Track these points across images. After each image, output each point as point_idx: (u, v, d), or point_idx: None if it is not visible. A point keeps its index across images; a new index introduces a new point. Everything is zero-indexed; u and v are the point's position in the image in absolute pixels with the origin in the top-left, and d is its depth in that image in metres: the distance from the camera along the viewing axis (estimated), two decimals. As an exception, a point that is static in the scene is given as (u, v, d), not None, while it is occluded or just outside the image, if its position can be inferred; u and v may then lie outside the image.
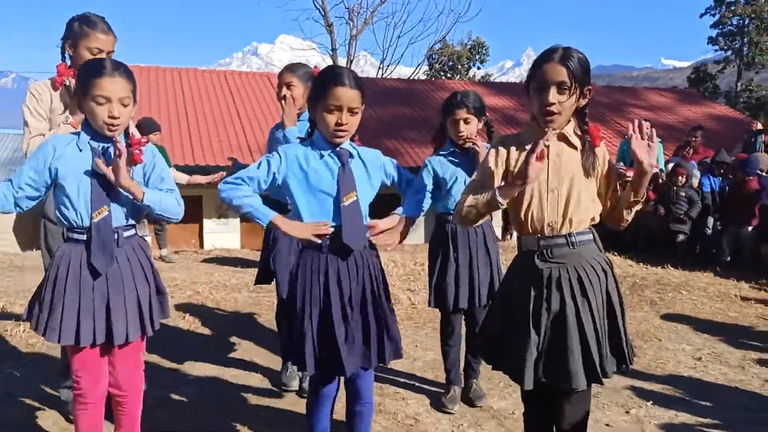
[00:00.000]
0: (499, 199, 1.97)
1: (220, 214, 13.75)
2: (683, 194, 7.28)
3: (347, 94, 2.09)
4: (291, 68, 3.24)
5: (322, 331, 2.12)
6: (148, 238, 5.81)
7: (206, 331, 4.26)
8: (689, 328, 4.67)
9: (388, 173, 2.33)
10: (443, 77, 29.81)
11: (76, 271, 2.09)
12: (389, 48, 25.28)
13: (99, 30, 2.65)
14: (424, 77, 27.83)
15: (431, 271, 3.09)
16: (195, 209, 13.41)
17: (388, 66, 25.35)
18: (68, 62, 2.70)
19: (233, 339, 4.10)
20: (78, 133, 2.14)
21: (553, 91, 1.94)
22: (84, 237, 2.10)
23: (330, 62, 24.96)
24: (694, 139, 8.19)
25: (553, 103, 1.94)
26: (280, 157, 2.16)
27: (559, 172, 2.01)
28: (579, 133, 2.06)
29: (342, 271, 2.13)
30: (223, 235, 13.52)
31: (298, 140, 2.43)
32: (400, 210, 2.43)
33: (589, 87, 2.00)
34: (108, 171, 2.05)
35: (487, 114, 3.11)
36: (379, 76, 25.11)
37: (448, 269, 3.01)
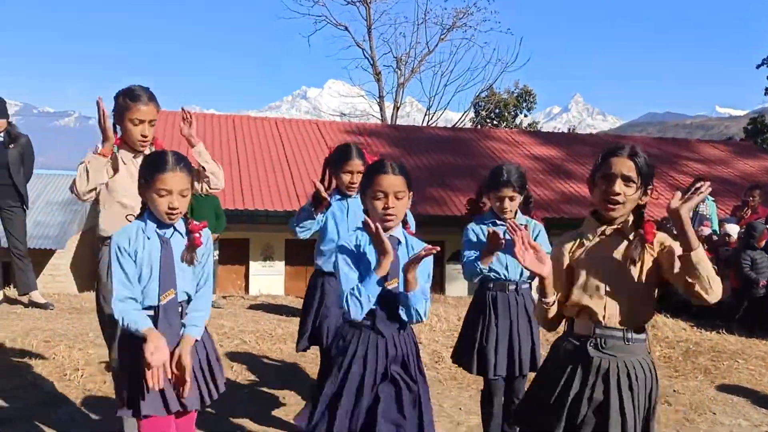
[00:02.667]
0: (543, 301, 2.08)
1: (266, 256, 14.02)
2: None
3: (390, 180, 2.22)
4: (361, 154, 3.26)
5: (355, 403, 2.20)
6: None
7: (253, 381, 4.34)
8: (746, 401, 4.49)
9: (420, 267, 2.28)
10: (489, 124, 29.97)
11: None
12: (436, 95, 25.70)
13: (141, 102, 2.85)
14: (470, 124, 28.06)
15: (470, 336, 3.12)
16: (242, 252, 13.72)
17: (434, 113, 25.74)
18: (119, 132, 2.93)
19: (278, 393, 4.16)
20: (144, 221, 2.31)
21: (619, 182, 2.02)
22: (152, 313, 2.27)
23: (377, 109, 25.50)
24: (751, 199, 7.97)
25: (619, 194, 2.01)
26: (351, 242, 2.29)
27: (615, 271, 2.05)
28: (635, 228, 2.10)
29: (371, 349, 2.21)
30: (268, 277, 13.75)
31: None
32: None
33: (652, 187, 2.07)
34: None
35: (528, 188, 3.16)
36: (426, 121, 25.48)
37: (488, 336, 3.05)
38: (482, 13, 25.10)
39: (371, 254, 2.24)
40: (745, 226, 7.11)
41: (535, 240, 3.09)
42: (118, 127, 2.94)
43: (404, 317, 2.24)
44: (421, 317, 2.25)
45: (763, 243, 6.93)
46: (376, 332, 2.22)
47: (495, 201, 3.07)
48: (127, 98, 2.85)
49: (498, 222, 3.09)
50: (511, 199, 3.04)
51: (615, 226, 2.07)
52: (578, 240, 2.14)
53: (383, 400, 2.19)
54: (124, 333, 2.29)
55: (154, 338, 2.17)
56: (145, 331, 2.18)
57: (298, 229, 3.22)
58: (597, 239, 2.09)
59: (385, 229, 2.26)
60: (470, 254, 3.08)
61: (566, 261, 2.14)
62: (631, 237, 2.06)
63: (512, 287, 3.09)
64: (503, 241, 2.90)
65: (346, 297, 2.17)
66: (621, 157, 2.02)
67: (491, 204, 3.12)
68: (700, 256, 1.92)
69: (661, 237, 2.08)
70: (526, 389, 2.35)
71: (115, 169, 2.92)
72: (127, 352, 2.28)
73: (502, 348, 3.03)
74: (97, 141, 2.95)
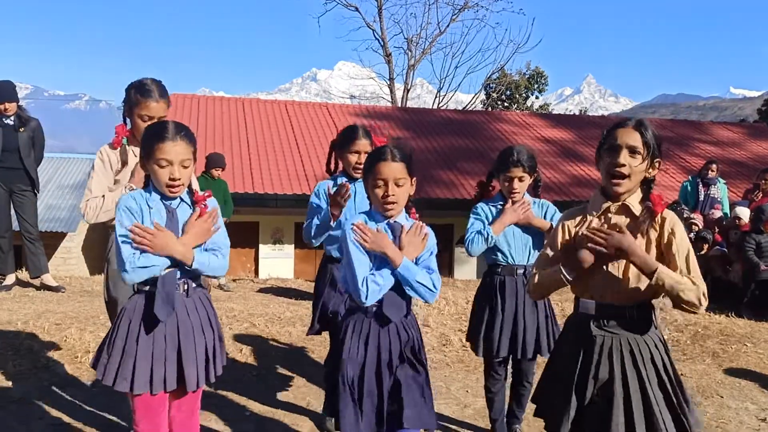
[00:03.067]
0: (567, 276, 2.04)
1: (276, 239, 14.09)
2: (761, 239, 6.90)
3: (390, 167, 2.21)
4: (367, 135, 3.20)
5: (360, 393, 2.21)
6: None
7: (261, 365, 4.38)
8: (754, 385, 4.48)
9: (424, 252, 2.31)
10: (500, 106, 29.76)
11: (149, 321, 2.22)
12: (447, 77, 25.52)
13: (152, 98, 2.80)
14: (480, 106, 27.88)
15: (478, 320, 3.14)
16: (251, 235, 13.79)
17: (445, 95, 25.58)
18: (128, 124, 2.90)
19: (287, 375, 4.20)
20: (148, 191, 2.28)
21: (624, 152, 1.99)
22: (147, 288, 2.23)
23: (387, 91, 25.38)
24: (764, 182, 7.88)
25: (624, 165, 1.98)
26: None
27: (630, 238, 2.00)
28: (643, 201, 2.08)
29: (382, 335, 2.23)
30: (278, 260, 13.83)
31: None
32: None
33: (659, 160, 2.04)
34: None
35: (538, 170, 3.14)
36: (436, 103, 25.34)
37: (495, 320, 3.06)
38: (495, -8, 24.82)
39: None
40: (755, 209, 7.03)
41: (548, 218, 3.10)
42: (128, 120, 2.91)
43: (414, 295, 2.23)
44: (430, 290, 2.22)
45: None
46: (385, 319, 2.22)
47: (504, 182, 3.05)
48: (138, 93, 2.81)
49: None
50: (521, 179, 3.02)
51: (620, 203, 2.05)
52: (581, 216, 2.12)
53: (404, 384, 2.20)
54: (131, 305, 2.26)
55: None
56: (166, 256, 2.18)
57: (314, 241, 3.14)
58: (602, 215, 2.07)
59: (388, 217, 2.27)
60: (477, 226, 3.08)
61: (565, 237, 2.12)
62: (637, 213, 2.04)
63: (520, 271, 3.09)
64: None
65: (364, 281, 2.17)
66: (626, 128, 2.00)
67: (500, 185, 3.10)
68: (661, 278, 1.92)
69: (667, 215, 2.04)
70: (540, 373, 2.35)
71: (124, 162, 2.91)
72: (130, 324, 2.23)
73: (506, 331, 3.04)
74: (108, 125, 2.93)
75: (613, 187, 2.02)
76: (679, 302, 1.95)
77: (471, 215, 3.16)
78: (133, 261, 2.14)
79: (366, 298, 2.17)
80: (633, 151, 1.98)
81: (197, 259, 2.24)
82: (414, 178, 2.30)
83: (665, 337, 5.23)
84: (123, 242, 2.16)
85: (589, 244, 1.97)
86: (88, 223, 2.92)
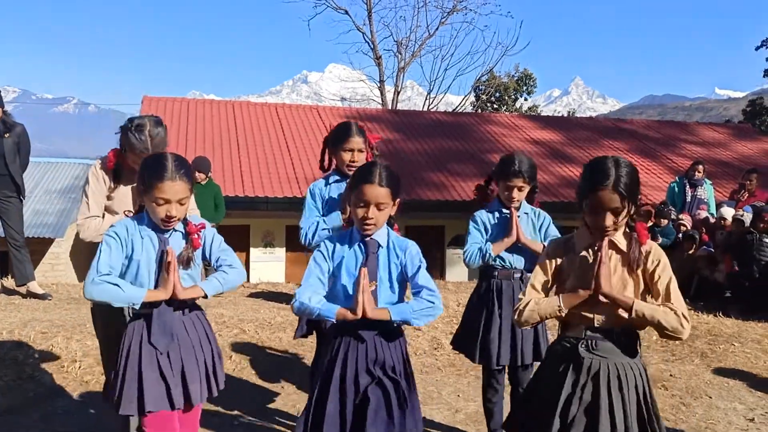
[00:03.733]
0: (564, 309, 2.08)
1: (266, 243, 14.04)
2: (766, 240, 6.92)
3: (375, 192, 2.21)
4: (361, 132, 3.16)
5: (342, 408, 2.20)
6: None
7: (252, 372, 4.36)
8: (742, 385, 4.51)
9: (407, 265, 2.29)
10: (490, 108, 29.85)
11: (148, 346, 2.25)
12: (436, 79, 25.57)
13: (141, 147, 2.70)
14: (470, 108, 27.95)
15: (473, 326, 3.10)
16: (242, 239, 13.73)
17: (435, 97, 25.63)
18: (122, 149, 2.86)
19: (277, 382, 4.18)
20: (139, 220, 2.30)
21: (609, 216, 2.03)
22: (149, 312, 2.26)
23: (378, 93, 25.40)
24: (749, 182, 7.95)
25: (609, 226, 2.04)
26: (324, 251, 2.30)
27: (608, 278, 2.06)
28: (627, 232, 2.12)
29: (351, 353, 2.22)
30: (269, 264, 13.78)
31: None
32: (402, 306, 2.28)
33: (641, 196, 2.08)
34: (171, 287, 2.22)
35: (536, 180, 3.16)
36: (426, 105, 25.38)
37: (492, 325, 3.03)
38: (483, -4, 24.88)
39: (346, 257, 2.27)
40: (754, 211, 7.05)
41: (543, 230, 3.09)
42: (125, 150, 2.84)
43: (421, 324, 2.27)
44: (430, 310, 2.21)
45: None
46: (357, 338, 2.22)
47: (504, 190, 3.05)
48: (133, 137, 2.71)
49: (504, 210, 3.08)
50: (520, 189, 3.02)
51: (608, 238, 2.09)
52: (568, 247, 2.17)
53: (372, 402, 2.18)
54: (130, 331, 2.27)
55: (154, 293, 2.22)
56: (146, 297, 2.19)
57: (312, 243, 3.04)
58: (588, 249, 2.12)
59: (365, 236, 2.27)
60: (477, 240, 3.07)
61: (550, 270, 2.17)
62: (623, 247, 2.08)
63: (517, 275, 3.06)
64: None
65: (297, 297, 2.20)
66: (606, 191, 1.99)
67: (499, 192, 3.10)
68: (640, 311, 2.00)
69: (653, 252, 2.09)
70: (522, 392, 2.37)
71: (117, 183, 2.90)
72: (130, 350, 2.26)
73: (505, 338, 3.01)
74: (97, 128, 2.89)
75: (600, 238, 2.07)
76: (662, 330, 2.01)
77: (470, 223, 3.13)
78: (101, 274, 2.15)
79: (293, 307, 2.21)
80: (615, 212, 2.02)
81: (209, 291, 2.29)
82: (398, 200, 2.31)
83: (654, 338, 5.28)
84: (98, 256, 2.19)
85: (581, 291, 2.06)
86: (83, 239, 2.91)
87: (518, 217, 3.05)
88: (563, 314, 2.09)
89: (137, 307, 2.23)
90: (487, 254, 3.01)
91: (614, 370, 2.05)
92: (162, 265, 2.25)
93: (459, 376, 4.51)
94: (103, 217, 2.84)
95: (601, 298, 2.02)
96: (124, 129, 2.79)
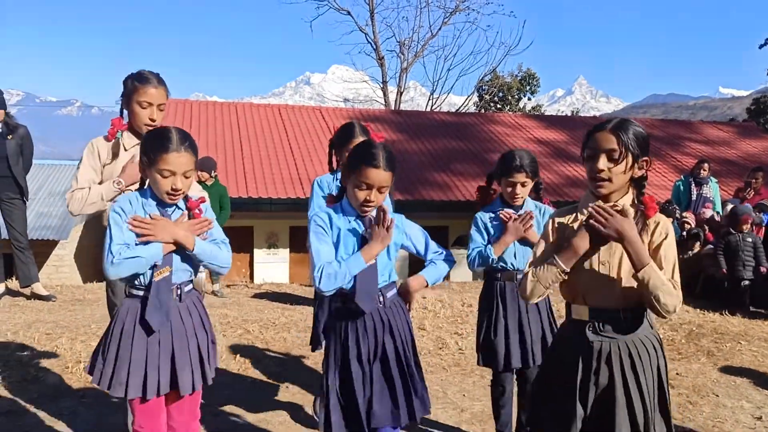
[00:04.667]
0: (562, 266, 1.99)
1: (270, 244, 14.04)
2: (749, 240, 6.93)
3: (379, 176, 2.22)
4: (364, 132, 3.22)
5: (344, 391, 2.25)
6: (202, 274, 5.98)
7: (256, 372, 4.34)
8: (749, 383, 4.48)
9: (409, 236, 2.42)
10: (493, 108, 29.81)
11: (142, 326, 2.20)
12: (439, 80, 25.55)
13: (150, 85, 2.81)
14: (473, 108, 27.91)
15: (480, 328, 3.08)
16: (246, 239, 13.74)
17: (438, 97, 25.61)
18: (125, 118, 2.88)
19: (281, 382, 4.16)
20: (144, 196, 2.26)
21: (603, 158, 1.96)
22: (142, 293, 2.21)
23: (381, 94, 25.39)
24: (754, 180, 7.91)
25: (603, 170, 1.96)
26: (324, 220, 2.29)
27: (611, 246, 2.00)
28: (635, 203, 2.04)
29: (360, 330, 2.26)
30: (273, 264, 13.79)
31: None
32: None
33: (646, 159, 2.00)
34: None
35: (540, 176, 3.10)
36: (429, 106, 25.35)
37: (497, 327, 2.99)
38: (485, -5, 24.87)
39: (344, 232, 2.28)
40: (729, 211, 7.07)
41: None
42: (125, 111, 2.90)
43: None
44: (447, 263, 2.47)
45: (746, 227, 6.89)
46: (357, 309, 2.23)
47: (506, 187, 2.98)
48: (136, 81, 2.81)
49: (507, 209, 3.02)
50: (523, 185, 2.96)
51: (611, 203, 2.02)
52: (572, 215, 2.09)
53: (378, 383, 2.22)
54: (124, 308, 2.24)
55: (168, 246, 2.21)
56: (164, 249, 2.18)
57: None
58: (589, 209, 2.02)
59: (362, 214, 2.29)
60: (478, 243, 3.02)
61: (556, 234, 2.10)
62: (629, 213, 2.00)
63: (520, 276, 2.97)
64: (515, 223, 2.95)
65: (320, 268, 2.17)
66: (603, 131, 1.97)
67: (502, 190, 3.04)
68: (648, 275, 1.90)
69: (659, 218, 2.01)
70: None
71: (115, 155, 2.87)
72: (123, 328, 2.21)
73: (513, 340, 2.96)
74: (100, 131, 2.91)
75: (596, 190, 2.01)
76: (655, 303, 1.92)
77: (472, 226, 3.08)
78: (119, 253, 2.10)
79: (319, 283, 2.16)
80: (611, 154, 1.95)
81: (198, 244, 2.23)
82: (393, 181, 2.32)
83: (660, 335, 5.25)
84: (112, 234, 2.14)
85: (591, 221, 1.94)
86: (72, 214, 2.90)
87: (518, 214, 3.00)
88: (566, 275, 1.99)
89: (160, 262, 2.19)
90: (489, 257, 2.95)
91: (625, 349, 1.98)
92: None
93: (464, 375, 4.49)
94: (90, 189, 2.79)
95: (625, 228, 1.89)
96: (125, 80, 2.84)
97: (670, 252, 1.99)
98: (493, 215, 3.05)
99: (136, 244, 2.16)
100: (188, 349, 2.26)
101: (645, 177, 2.04)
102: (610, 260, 2.01)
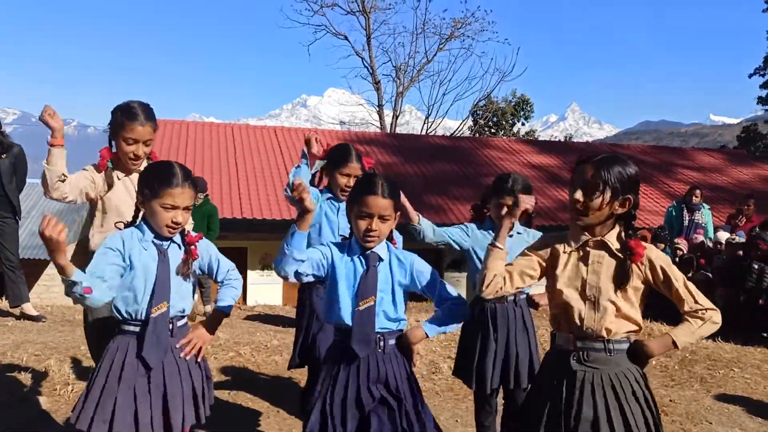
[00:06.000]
0: (499, 243, 2.11)
1: (264, 265, 13.99)
2: (756, 267, 6.92)
3: (378, 203, 2.21)
4: (359, 159, 3.22)
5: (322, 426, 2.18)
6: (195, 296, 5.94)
7: (247, 396, 4.29)
8: (742, 410, 4.46)
9: (418, 279, 2.30)
10: (487, 132, 30.03)
11: (133, 363, 2.17)
12: (435, 104, 25.77)
13: (137, 122, 2.78)
14: (468, 132, 28.11)
15: (470, 352, 3.07)
16: (239, 261, 13.66)
17: (433, 121, 25.81)
18: (113, 146, 2.87)
19: (273, 405, 4.11)
20: (141, 230, 2.27)
21: (579, 190, 1.98)
22: (138, 329, 2.20)
23: (376, 117, 25.55)
24: (746, 207, 7.98)
25: (578, 201, 1.98)
26: (330, 249, 2.29)
27: (597, 282, 2.01)
28: (622, 239, 2.05)
29: (352, 374, 2.20)
30: (266, 286, 13.71)
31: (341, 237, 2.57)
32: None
33: (629, 197, 2.00)
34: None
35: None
36: (425, 130, 25.52)
37: (488, 350, 2.99)
38: (480, 23, 25.28)
39: (346, 268, 2.26)
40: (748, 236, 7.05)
41: None
42: (113, 142, 2.89)
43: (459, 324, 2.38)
44: (460, 311, 2.33)
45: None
46: (351, 353, 2.19)
47: (496, 209, 3.02)
48: (124, 116, 2.79)
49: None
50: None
51: (598, 238, 2.03)
52: (559, 244, 2.11)
53: (375, 420, 2.15)
54: (115, 345, 2.22)
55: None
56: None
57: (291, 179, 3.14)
58: (579, 248, 2.06)
59: (367, 249, 2.26)
60: (454, 231, 3.13)
61: (540, 261, 2.12)
62: (614, 249, 2.01)
63: (510, 298, 3.02)
64: None
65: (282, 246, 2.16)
66: (587, 164, 1.98)
67: (492, 211, 3.07)
68: (681, 342, 1.97)
69: (649, 253, 2.02)
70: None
71: (110, 185, 2.87)
72: (112, 364, 2.19)
73: (498, 360, 2.98)
74: (97, 151, 2.92)
75: (573, 221, 2.03)
76: (707, 335, 1.99)
77: (459, 226, 3.13)
78: (78, 290, 2.06)
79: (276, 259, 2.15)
80: (589, 187, 1.96)
81: (226, 309, 2.41)
82: (398, 213, 2.31)
83: (653, 362, 5.23)
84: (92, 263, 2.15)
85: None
86: (45, 194, 2.80)
87: (510, 236, 3.01)
88: (500, 247, 2.10)
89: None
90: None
91: (608, 381, 1.98)
92: (159, 277, 2.21)
93: (457, 401, 4.45)
94: (94, 220, 2.84)
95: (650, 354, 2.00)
96: (113, 112, 2.82)
97: (678, 280, 2.00)
98: (486, 232, 3.08)
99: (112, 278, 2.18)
100: (182, 387, 2.24)
101: (633, 215, 2.03)
102: (598, 297, 2.02)
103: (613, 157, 2.00)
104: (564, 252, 2.07)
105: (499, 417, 3.22)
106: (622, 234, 2.04)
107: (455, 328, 2.36)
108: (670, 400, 4.57)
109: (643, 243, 2.04)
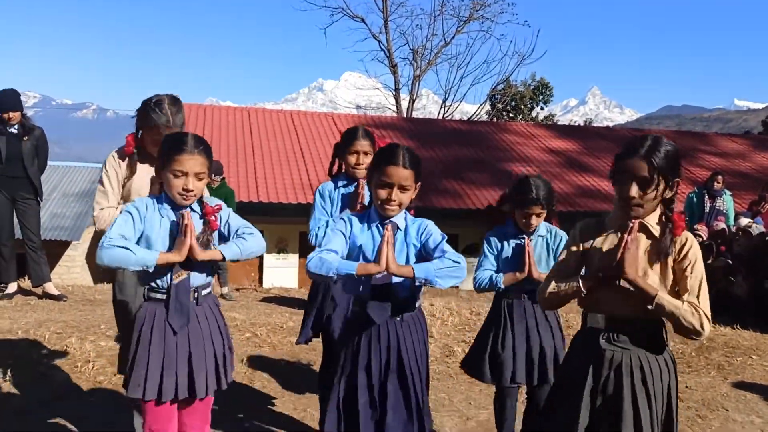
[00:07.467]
0: (583, 289, 2.02)
1: (280, 248, 14.08)
2: None
3: (399, 173, 2.22)
4: (368, 135, 3.18)
5: (347, 398, 2.25)
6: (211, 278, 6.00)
7: (263, 377, 4.35)
8: (759, 398, 4.43)
9: (425, 237, 2.31)
10: (506, 117, 29.78)
11: (160, 329, 2.25)
12: (452, 88, 25.58)
13: (162, 121, 2.76)
14: (486, 117, 27.90)
15: (482, 345, 3.05)
16: (256, 244, 13.77)
17: (450, 105, 25.63)
18: (138, 134, 2.89)
19: (288, 385, 4.17)
20: (159, 199, 2.31)
21: (634, 186, 1.94)
22: (164, 297, 2.25)
23: (393, 101, 25.45)
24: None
25: (634, 197, 1.95)
26: (345, 222, 2.32)
27: (633, 262, 1.99)
28: (663, 220, 2.04)
29: (373, 342, 2.26)
30: (282, 269, 13.82)
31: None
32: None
33: (677, 180, 1.99)
34: (187, 249, 2.20)
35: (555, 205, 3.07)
36: (441, 114, 25.38)
37: (505, 344, 2.95)
38: (499, 4, 24.97)
39: (364, 237, 2.28)
40: None
41: (558, 251, 3.01)
42: (140, 132, 2.89)
43: (445, 285, 2.22)
44: (455, 270, 2.20)
45: None
46: (368, 320, 2.23)
47: (521, 218, 2.95)
48: (152, 113, 2.76)
49: (520, 236, 2.99)
50: (538, 215, 2.94)
51: (639, 220, 2.01)
52: (597, 228, 2.10)
53: (392, 396, 2.21)
54: (143, 312, 2.28)
55: (168, 255, 2.20)
56: (159, 260, 2.18)
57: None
58: (618, 231, 2.04)
59: (386, 217, 2.27)
60: (488, 267, 2.99)
61: (578, 253, 2.11)
62: (654, 231, 2.00)
63: (527, 295, 2.97)
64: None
65: (319, 252, 2.19)
66: (636, 158, 1.93)
67: (516, 217, 3.00)
68: (660, 303, 1.92)
69: (687, 236, 2.00)
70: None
71: (133, 172, 2.91)
72: (141, 331, 2.26)
73: (520, 354, 2.93)
74: (115, 134, 2.92)
75: (629, 213, 1.99)
76: (679, 327, 1.95)
77: (484, 245, 3.05)
78: (113, 239, 2.13)
79: (310, 262, 2.16)
80: (643, 182, 1.93)
81: (227, 253, 2.27)
82: (419, 184, 2.31)
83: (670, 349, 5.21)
84: (115, 224, 2.20)
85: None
86: (99, 230, 2.89)
87: (532, 243, 2.97)
88: (583, 294, 2.02)
89: (151, 269, 2.20)
90: (497, 285, 2.94)
91: (637, 362, 1.98)
92: (178, 235, 2.24)
93: (471, 383, 4.46)
94: (118, 207, 2.85)
95: (624, 283, 1.95)
96: (143, 105, 2.83)
97: (697, 273, 1.98)
98: (507, 242, 3.01)
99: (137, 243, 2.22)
100: (205, 353, 2.30)
101: (674, 197, 2.02)
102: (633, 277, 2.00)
103: (657, 142, 1.96)
104: (603, 233, 2.07)
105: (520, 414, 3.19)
106: (663, 217, 2.03)
107: (445, 285, 2.23)
108: (687, 387, 4.54)
109: (682, 229, 2.01)
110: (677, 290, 2.01)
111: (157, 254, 2.19)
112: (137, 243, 2.24)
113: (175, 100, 2.85)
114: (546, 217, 3.06)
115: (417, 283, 2.20)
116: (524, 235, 2.99)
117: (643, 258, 2.00)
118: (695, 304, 1.94)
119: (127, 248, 2.15)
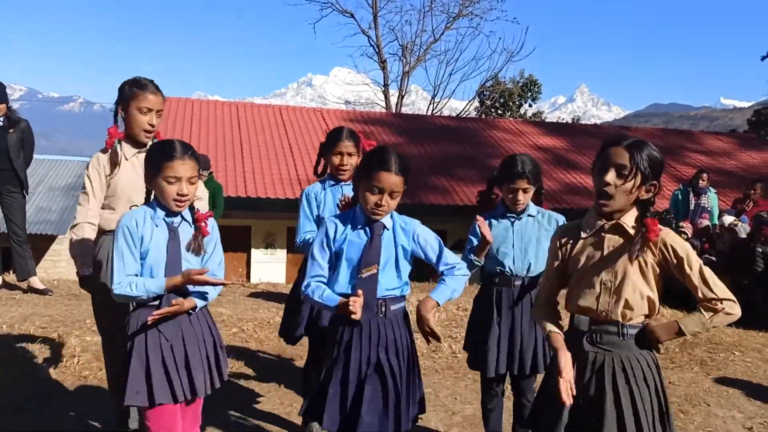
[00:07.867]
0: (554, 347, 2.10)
1: (268, 244, 14.05)
2: (759, 251, 6.89)
3: (391, 180, 2.23)
4: (352, 136, 3.19)
5: (343, 392, 2.27)
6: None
7: (249, 371, 4.36)
8: (741, 393, 4.49)
9: (421, 245, 2.36)
10: (494, 114, 29.85)
11: (155, 334, 2.26)
12: (441, 84, 25.59)
13: (149, 90, 2.82)
14: (474, 113, 27.95)
15: (473, 332, 3.08)
16: (244, 239, 13.75)
17: (439, 101, 25.65)
18: (119, 125, 2.89)
19: (273, 385, 4.17)
20: (152, 207, 2.32)
21: (612, 172, 1.95)
22: (157, 303, 2.27)
23: (382, 97, 25.42)
24: (753, 191, 7.94)
25: (609, 184, 1.95)
26: (327, 228, 2.33)
27: (612, 266, 2.01)
28: (637, 224, 2.04)
29: (355, 338, 2.28)
30: (270, 265, 13.79)
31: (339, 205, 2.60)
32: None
33: (654, 183, 1.99)
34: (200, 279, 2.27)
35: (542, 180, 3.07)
36: (430, 110, 25.38)
37: (490, 332, 2.96)
38: (488, 1, 24.99)
39: (349, 239, 2.30)
40: (755, 220, 7.01)
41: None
42: (120, 117, 2.90)
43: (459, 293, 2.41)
44: (460, 279, 2.40)
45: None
46: (353, 320, 2.24)
47: (508, 193, 2.94)
48: (135, 87, 2.83)
49: (508, 215, 2.99)
50: (525, 191, 2.92)
51: (614, 221, 2.02)
52: (575, 232, 2.11)
53: (369, 391, 2.22)
54: (134, 319, 2.29)
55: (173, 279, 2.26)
56: (166, 285, 2.24)
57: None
58: (595, 234, 2.05)
59: (373, 221, 2.29)
60: (469, 248, 3.00)
61: (560, 254, 2.13)
62: (631, 232, 2.00)
63: (518, 283, 2.97)
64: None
65: (309, 284, 2.29)
66: (618, 146, 1.96)
67: (503, 196, 2.99)
68: (688, 330, 1.99)
69: (666, 237, 2.00)
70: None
71: (114, 164, 2.88)
72: (135, 338, 2.27)
73: (503, 345, 2.94)
74: (102, 128, 2.94)
75: (600, 207, 2.00)
76: (723, 326, 2.01)
77: (471, 236, 3.04)
78: (124, 284, 2.22)
79: (305, 290, 2.31)
80: (621, 170, 1.94)
81: (199, 303, 2.35)
82: (405, 187, 2.32)
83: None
84: (116, 258, 2.24)
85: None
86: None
87: (522, 223, 2.98)
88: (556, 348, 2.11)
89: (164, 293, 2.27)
90: (472, 262, 2.93)
91: (619, 363, 1.99)
92: (171, 254, 2.28)
93: (457, 378, 4.50)
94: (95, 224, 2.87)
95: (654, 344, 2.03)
96: (123, 84, 2.86)
97: (694, 266, 1.98)
98: (496, 221, 3.01)
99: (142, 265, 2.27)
100: (200, 352, 2.33)
101: (652, 201, 2.02)
102: (613, 281, 2.02)
103: (643, 142, 1.98)
104: (580, 238, 2.08)
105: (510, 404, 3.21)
106: (637, 219, 2.03)
107: (462, 291, 2.42)
108: (670, 382, 4.60)
109: (662, 227, 2.02)
110: (679, 286, 2.04)
111: (162, 281, 2.25)
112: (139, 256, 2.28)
113: (148, 78, 2.91)
114: (538, 202, 3.07)
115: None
116: (513, 215, 2.98)
117: (625, 256, 2.00)
118: (712, 300, 1.94)
119: (137, 295, 2.24)
